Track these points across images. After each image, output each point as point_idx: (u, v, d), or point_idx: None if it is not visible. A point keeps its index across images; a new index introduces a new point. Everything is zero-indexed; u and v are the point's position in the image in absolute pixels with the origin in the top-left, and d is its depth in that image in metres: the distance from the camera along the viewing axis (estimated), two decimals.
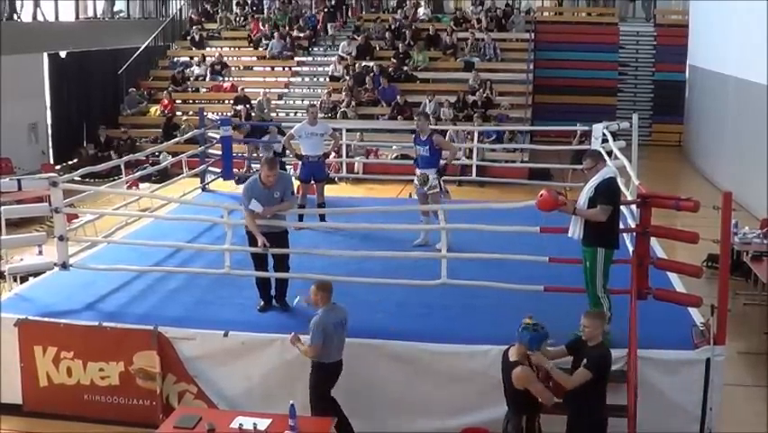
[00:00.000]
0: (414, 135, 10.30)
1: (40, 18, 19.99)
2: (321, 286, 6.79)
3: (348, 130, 15.03)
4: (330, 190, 16.69)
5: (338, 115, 20.30)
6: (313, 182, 11.01)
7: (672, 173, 20.04)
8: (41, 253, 10.19)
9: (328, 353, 6.68)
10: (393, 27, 24.17)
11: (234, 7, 26.91)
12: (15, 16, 19.16)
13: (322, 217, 10.64)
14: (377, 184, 16.65)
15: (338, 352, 6.79)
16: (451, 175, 12.46)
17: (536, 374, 5.87)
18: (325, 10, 23.85)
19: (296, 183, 11.95)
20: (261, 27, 24.71)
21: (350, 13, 25.42)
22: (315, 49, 24.16)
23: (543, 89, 23.57)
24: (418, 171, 10.09)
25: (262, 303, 8.09)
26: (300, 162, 11.08)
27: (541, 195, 6.86)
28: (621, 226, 7.31)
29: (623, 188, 8.31)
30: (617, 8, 26.13)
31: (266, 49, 24.04)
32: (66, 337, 7.61)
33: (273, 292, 8.15)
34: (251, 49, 24.57)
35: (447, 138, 13.31)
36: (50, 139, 20.29)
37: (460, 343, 7.18)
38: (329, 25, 23.79)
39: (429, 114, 15.53)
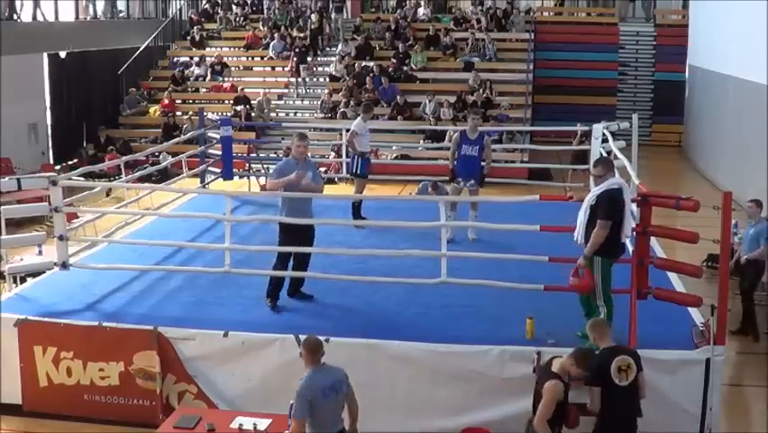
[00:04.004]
0: (460, 135, 10.31)
1: (40, 18, 19.98)
2: (305, 344, 5.78)
3: (348, 130, 15.02)
4: (330, 190, 16.79)
5: (338, 115, 20.30)
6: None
7: (672, 173, 20.05)
8: (40, 252, 10.18)
9: (319, 427, 5.66)
10: (393, 27, 24.17)
11: (234, 7, 26.92)
12: (15, 16, 19.15)
13: (358, 213, 10.79)
14: (377, 184, 16.63)
15: (332, 423, 5.75)
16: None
17: (567, 392, 5.86)
18: (296, 49, 22.97)
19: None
20: (257, 33, 24.66)
21: (324, 47, 24.54)
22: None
23: (543, 89, 23.58)
24: (459, 177, 10.22)
25: (272, 301, 8.07)
26: (361, 159, 11.14)
27: (573, 285, 6.91)
28: None
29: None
30: (617, 8, 26.15)
31: (265, 49, 24.07)
32: (66, 337, 7.60)
33: (287, 288, 8.19)
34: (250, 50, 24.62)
35: (448, 138, 13.36)
36: (50, 139, 20.28)
37: (460, 343, 7.18)
38: (301, 67, 22.63)
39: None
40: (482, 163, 10.29)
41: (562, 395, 5.80)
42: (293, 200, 7.99)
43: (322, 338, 7.15)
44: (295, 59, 22.71)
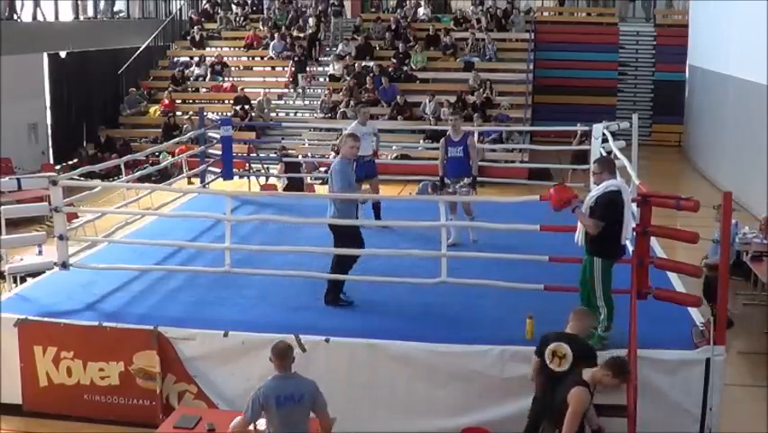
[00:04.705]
0: (445, 139, 10.16)
1: (40, 18, 19.98)
2: (272, 349, 5.66)
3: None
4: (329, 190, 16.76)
5: (338, 116, 20.30)
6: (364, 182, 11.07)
7: (672, 173, 20.04)
8: (40, 252, 10.18)
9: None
10: (393, 27, 24.17)
11: (234, 7, 26.93)
12: (15, 16, 19.15)
13: (378, 214, 10.71)
14: None
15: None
16: None
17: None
18: (295, 58, 22.73)
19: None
20: (257, 33, 24.68)
21: (319, 55, 24.15)
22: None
23: (543, 89, 23.58)
24: (447, 180, 10.02)
25: (338, 300, 8.11)
26: (355, 163, 11.09)
27: (552, 193, 6.92)
28: None
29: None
30: (617, 8, 26.15)
31: (265, 49, 24.08)
32: (66, 337, 7.60)
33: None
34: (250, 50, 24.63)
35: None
36: (50, 139, 20.27)
37: (460, 343, 7.18)
38: (299, 76, 22.51)
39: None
40: (471, 163, 10.08)
41: (587, 408, 5.76)
42: (347, 204, 8.13)
43: (322, 338, 7.21)
44: (293, 68, 22.57)
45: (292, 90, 22.71)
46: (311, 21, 24.60)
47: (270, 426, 5.60)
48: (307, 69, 22.85)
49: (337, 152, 11.79)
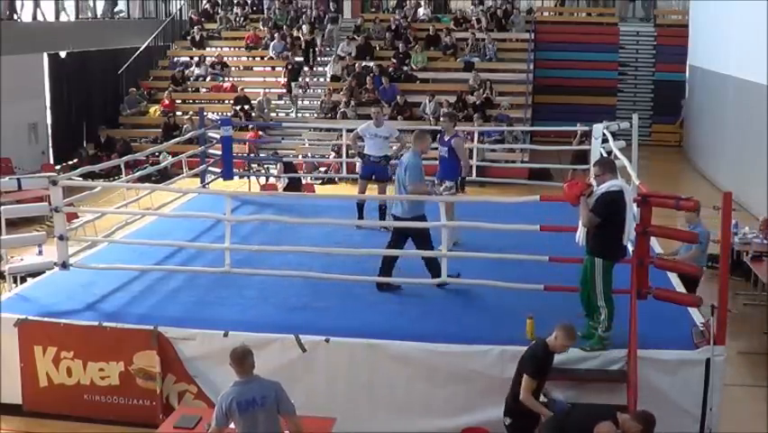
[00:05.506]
0: (439, 136, 10.23)
1: (40, 18, 19.99)
2: (231, 354, 5.60)
3: (348, 130, 15.06)
4: (331, 190, 16.79)
5: (338, 116, 20.29)
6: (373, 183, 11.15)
7: (672, 173, 20.04)
8: (41, 252, 10.19)
9: None
10: (393, 27, 24.16)
11: (234, 7, 26.94)
12: (15, 16, 19.16)
13: (383, 215, 10.62)
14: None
15: None
16: None
17: None
18: (289, 66, 22.73)
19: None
20: (257, 33, 24.67)
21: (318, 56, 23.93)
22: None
23: (543, 89, 23.57)
24: (436, 179, 9.98)
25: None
26: (361, 161, 11.12)
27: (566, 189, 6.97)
28: None
29: None
30: (617, 8, 26.16)
31: (265, 49, 24.07)
32: (66, 337, 7.60)
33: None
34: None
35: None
36: (50, 139, 20.27)
37: (460, 343, 7.18)
38: (293, 84, 22.23)
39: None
40: (462, 164, 9.93)
41: None
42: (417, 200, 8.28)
43: (322, 338, 7.21)
44: (285, 77, 22.46)
45: (287, 99, 22.64)
46: (305, 28, 24.52)
47: (238, 431, 5.56)
48: (300, 77, 22.71)
49: (337, 153, 11.83)
